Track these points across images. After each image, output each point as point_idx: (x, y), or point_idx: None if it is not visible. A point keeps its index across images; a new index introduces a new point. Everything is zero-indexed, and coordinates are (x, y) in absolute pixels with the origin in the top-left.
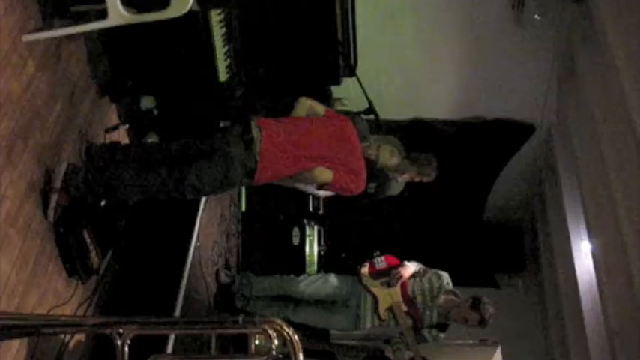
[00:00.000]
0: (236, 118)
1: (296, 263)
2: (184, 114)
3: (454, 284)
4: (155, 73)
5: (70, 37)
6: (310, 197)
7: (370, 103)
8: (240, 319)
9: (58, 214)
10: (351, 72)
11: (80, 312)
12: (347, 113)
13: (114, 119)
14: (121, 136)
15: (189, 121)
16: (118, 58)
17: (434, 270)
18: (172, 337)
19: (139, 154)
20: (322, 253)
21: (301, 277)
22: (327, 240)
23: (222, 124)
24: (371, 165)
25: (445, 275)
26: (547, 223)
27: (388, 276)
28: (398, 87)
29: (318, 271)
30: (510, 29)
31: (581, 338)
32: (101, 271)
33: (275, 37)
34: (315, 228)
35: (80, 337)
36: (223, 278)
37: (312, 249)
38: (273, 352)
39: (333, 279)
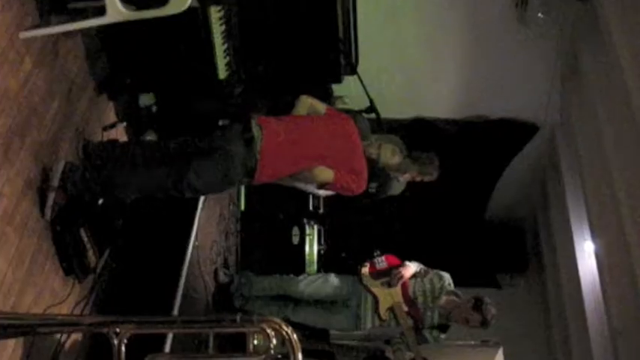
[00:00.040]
0: (236, 117)
1: (296, 263)
2: (183, 112)
3: (455, 285)
4: (154, 70)
5: (68, 34)
6: (310, 196)
7: (371, 101)
8: (238, 317)
9: (55, 212)
10: (352, 70)
11: (77, 311)
12: (348, 112)
13: (111, 117)
14: (119, 134)
15: (188, 119)
16: (116, 55)
17: (435, 271)
18: (170, 336)
19: (137, 152)
20: (322, 252)
21: (301, 277)
22: (327, 239)
23: (221, 123)
24: (372, 164)
25: (447, 276)
26: (550, 223)
27: (389, 276)
28: (399, 85)
29: (318, 270)
30: (513, 27)
31: (584, 339)
32: (98, 270)
33: (275, 34)
34: (315, 227)
35: (77, 336)
36: (222, 278)
37: (312, 248)
38: (272, 352)
39: (333, 279)
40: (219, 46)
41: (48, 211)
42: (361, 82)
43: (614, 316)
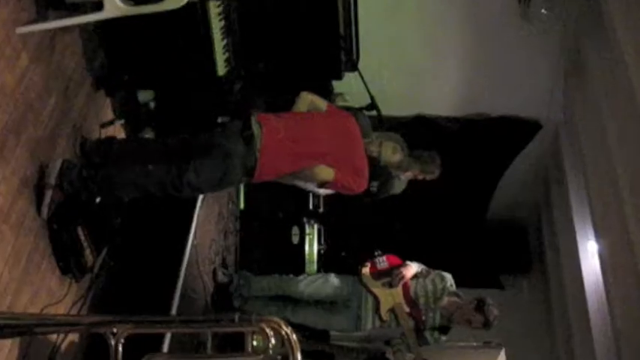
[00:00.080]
0: (235, 114)
1: (295, 262)
2: (181, 109)
3: (457, 285)
4: (152, 66)
5: (65, 29)
6: (310, 195)
7: (372, 98)
8: (236, 317)
9: (52, 210)
10: (353, 67)
11: (74, 311)
12: (348, 109)
13: (109, 114)
14: (117, 131)
15: (186, 116)
16: (114, 51)
17: (437, 271)
18: (168, 336)
19: (135, 149)
20: (322, 252)
21: (301, 277)
22: (328, 239)
23: (220, 120)
24: (373, 162)
25: (448, 277)
26: (553, 223)
27: (390, 276)
28: (400, 82)
29: (318, 270)
30: (516, 23)
31: (588, 340)
32: (95, 270)
33: (275, 30)
34: (315, 226)
35: (74, 336)
36: (221, 277)
37: (312, 248)
38: (270, 352)
39: (333, 279)
40: (219, 42)
41: (44, 210)
42: (362, 78)
43: (617, 317)
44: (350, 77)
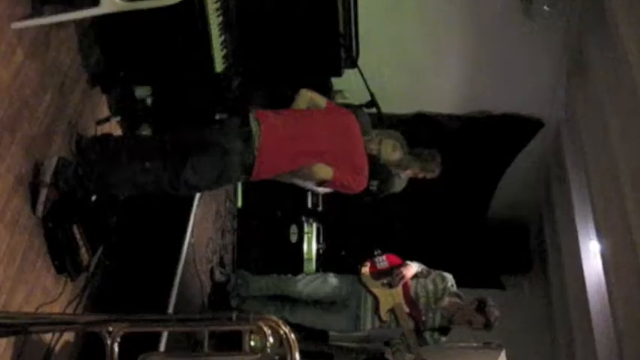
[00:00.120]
0: (233, 110)
1: (294, 262)
2: (179, 105)
3: (458, 285)
4: (149, 63)
5: (61, 25)
6: (309, 193)
7: (372, 95)
8: (233, 315)
9: (47, 208)
10: (353, 63)
11: (69, 310)
12: (348, 106)
13: (105, 110)
14: (113, 128)
15: (183, 113)
16: (110, 47)
17: (438, 271)
18: (165, 335)
19: (132, 146)
20: (321, 251)
21: (299, 277)
22: (327, 238)
23: (218, 117)
24: (373, 160)
25: (449, 277)
26: (555, 222)
27: (390, 276)
28: (401, 79)
29: (317, 270)
30: (518, 20)
31: (589, 341)
32: (91, 269)
33: (274, 26)
34: (314, 225)
35: (69, 335)
36: (218, 277)
37: (311, 247)
38: (268, 350)
39: (332, 279)
40: (216, 38)
41: (40, 208)
42: (362, 75)
43: (619, 318)
44: (349, 74)
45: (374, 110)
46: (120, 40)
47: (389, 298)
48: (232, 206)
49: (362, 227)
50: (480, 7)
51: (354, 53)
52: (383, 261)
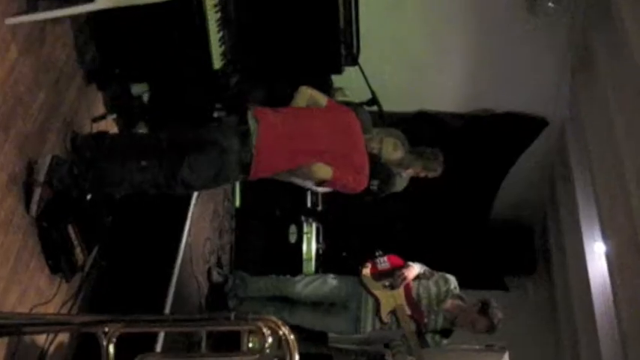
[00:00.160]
0: (231, 108)
1: (293, 262)
2: (176, 103)
3: (461, 287)
4: (145, 59)
5: (56, 21)
6: (308, 192)
7: (373, 93)
8: (232, 315)
9: (41, 208)
10: (354, 61)
11: (64, 311)
12: (348, 104)
13: (101, 108)
14: (109, 126)
15: (180, 111)
16: (106, 43)
17: (440, 273)
18: (162, 336)
19: (128, 144)
20: (321, 251)
21: (298, 278)
22: (326, 238)
23: (216, 114)
24: (374, 159)
25: (452, 279)
26: (559, 223)
27: (391, 277)
28: (402, 77)
29: (316, 271)
30: (522, 17)
31: (594, 343)
32: (86, 269)
33: (273, 22)
34: (314, 225)
35: (64, 337)
36: (216, 277)
37: (310, 247)
38: (267, 351)
39: (331, 280)
40: (214, 35)
41: (34, 207)
42: (362, 73)
43: (624, 320)
44: (350, 71)
45: (375, 108)
46: (116, 36)
47: (390, 299)
48: (230, 205)
49: (362, 227)
50: (484, 3)
51: (355, 50)
52: (384, 262)
